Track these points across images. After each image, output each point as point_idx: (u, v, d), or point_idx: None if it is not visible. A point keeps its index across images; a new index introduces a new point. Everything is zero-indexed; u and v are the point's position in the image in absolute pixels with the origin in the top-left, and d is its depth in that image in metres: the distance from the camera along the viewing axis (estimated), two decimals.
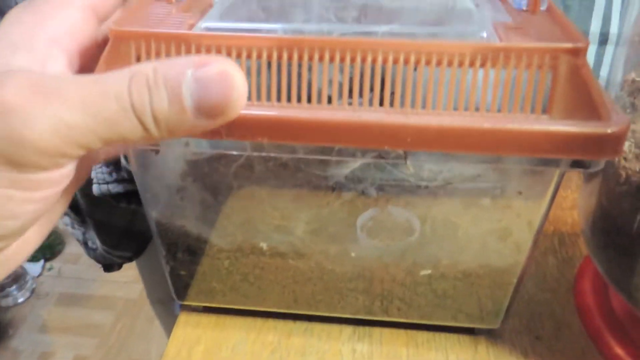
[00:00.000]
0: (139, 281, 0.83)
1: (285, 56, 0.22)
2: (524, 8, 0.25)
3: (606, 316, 0.32)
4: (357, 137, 0.22)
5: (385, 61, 0.21)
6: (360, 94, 0.22)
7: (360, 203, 0.29)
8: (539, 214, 0.26)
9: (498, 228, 0.27)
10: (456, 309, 0.30)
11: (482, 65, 0.21)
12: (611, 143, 0.21)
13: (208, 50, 0.22)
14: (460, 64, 0.21)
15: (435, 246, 0.28)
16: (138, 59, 0.22)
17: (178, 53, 0.22)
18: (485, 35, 0.22)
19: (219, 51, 0.22)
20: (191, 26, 0.23)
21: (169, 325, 0.87)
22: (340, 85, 0.22)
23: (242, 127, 0.22)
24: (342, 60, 0.22)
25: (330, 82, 0.22)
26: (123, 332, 1.29)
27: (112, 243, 0.65)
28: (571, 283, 0.36)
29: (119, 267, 0.72)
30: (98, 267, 0.73)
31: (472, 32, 0.22)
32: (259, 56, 0.22)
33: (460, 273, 0.29)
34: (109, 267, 0.72)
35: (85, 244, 0.69)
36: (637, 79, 0.27)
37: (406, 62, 0.21)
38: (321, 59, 0.22)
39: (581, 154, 0.21)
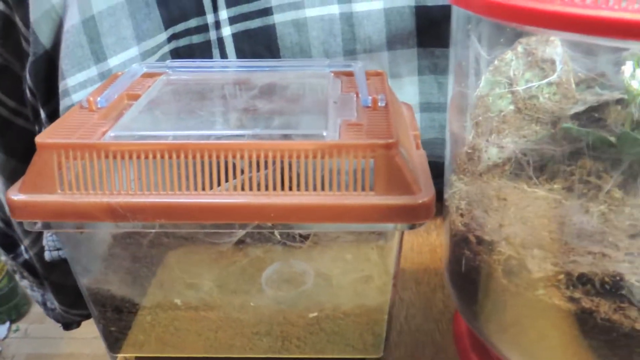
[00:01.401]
0: None
1: (175, 156, 0.28)
2: (369, 105, 0.33)
3: (473, 340, 0.39)
4: (232, 215, 0.28)
5: (250, 157, 0.28)
6: (235, 182, 0.29)
7: (267, 259, 0.35)
8: (391, 263, 0.32)
9: (362, 276, 0.33)
10: (344, 343, 0.36)
11: (322, 157, 0.28)
12: (422, 210, 0.28)
13: (114, 155, 0.29)
14: (306, 157, 0.28)
15: (320, 292, 0.35)
16: (59, 166, 0.28)
17: (91, 159, 0.28)
18: (325, 134, 0.29)
19: (122, 155, 0.28)
20: (103, 134, 0.30)
21: None
22: (219, 175, 0.29)
23: (144, 212, 0.29)
24: (218, 158, 0.28)
25: (211, 174, 0.29)
26: None
27: (69, 302, 0.69)
28: (453, 314, 0.42)
29: (78, 325, 0.76)
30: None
31: (316, 132, 0.29)
32: (154, 157, 0.28)
33: (342, 313, 0.35)
34: (68, 325, 0.76)
35: (44, 304, 0.73)
36: (469, 151, 0.35)
37: (265, 157, 0.28)
38: (202, 157, 0.28)
39: (401, 220, 0.28)
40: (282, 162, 0.28)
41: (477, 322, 0.33)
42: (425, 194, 0.28)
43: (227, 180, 0.29)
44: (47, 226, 0.30)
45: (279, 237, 0.30)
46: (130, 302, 0.35)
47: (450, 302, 0.44)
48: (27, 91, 0.48)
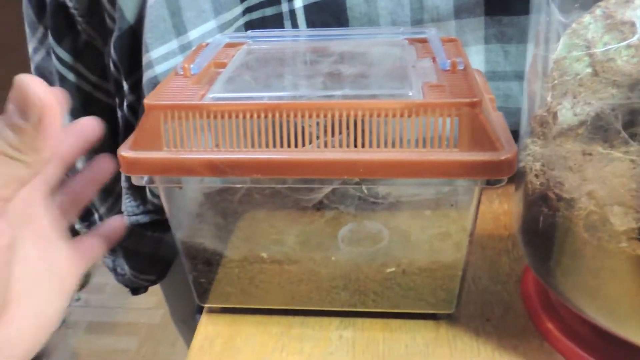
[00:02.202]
0: (160, 307, 0.92)
1: (270, 115, 0.31)
2: (448, 68, 0.34)
3: (542, 299, 0.40)
4: (323, 170, 0.31)
5: (340, 116, 0.30)
6: (325, 139, 0.31)
7: (342, 219, 0.37)
8: (469, 220, 0.34)
9: (439, 232, 0.35)
10: (418, 298, 0.38)
11: (409, 116, 0.30)
12: (505, 166, 0.30)
13: (215, 115, 0.31)
14: (393, 116, 0.30)
15: (397, 249, 0.37)
16: (165, 125, 0.31)
17: (194, 118, 0.31)
18: (411, 94, 0.31)
19: (222, 115, 0.31)
20: (202, 96, 0.32)
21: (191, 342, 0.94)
22: (310, 134, 0.31)
23: (241, 167, 0.31)
24: (310, 116, 0.30)
25: (303, 131, 0.31)
26: (148, 356, 1.37)
27: (139, 268, 0.74)
28: (519, 277, 0.43)
29: (145, 289, 0.81)
30: (122, 296, 0.82)
31: (402, 92, 0.31)
32: (252, 117, 0.31)
33: (417, 269, 0.37)
34: (136, 290, 0.81)
35: (114, 270, 0.78)
36: (544, 114, 0.36)
37: (355, 116, 0.30)
38: (295, 116, 0.31)
39: (485, 175, 0.30)
40: (370, 121, 0.30)
41: (553, 279, 0.35)
42: (508, 151, 0.29)
43: (318, 138, 0.31)
44: (151, 181, 0.33)
45: (365, 191, 0.32)
46: (219, 255, 0.38)
47: (516, 265, 0.45)
48: (111, 65, 0.51)
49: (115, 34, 0.49)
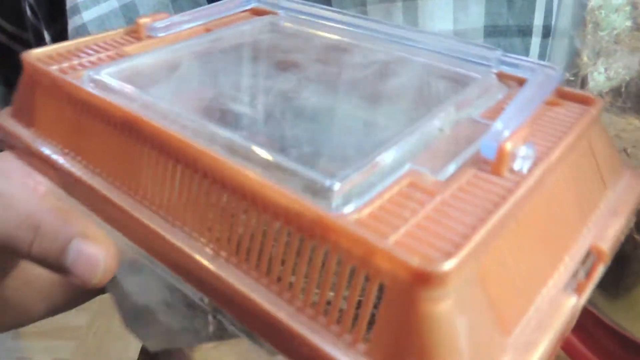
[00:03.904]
0: None
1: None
2: (489, 158, 0.16)
3: None
4: None
5: (205, 176, 0.16)
6: None
7: None
8: None
9: None
10: None
11: (304, 239, 0.14)
12: None
13: None
14: (290, 234, 0.15)
15: None
16: None
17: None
18: (328, 184, 0.15)
19: None
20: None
21: None
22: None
23: None
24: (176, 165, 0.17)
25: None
26: (100, 333, 1.21)
27: None
28: None
29: None
30: None
31: (317, 179, 0.15)
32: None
33: None
34: None
35: None
36: (570, 78, 0.28)
37: (222, 186, 0.16)
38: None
39: None
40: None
41: None
42: None
43: None
44: None
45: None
46: None
47: None
48: (28, 10, 0.39)
49: None
